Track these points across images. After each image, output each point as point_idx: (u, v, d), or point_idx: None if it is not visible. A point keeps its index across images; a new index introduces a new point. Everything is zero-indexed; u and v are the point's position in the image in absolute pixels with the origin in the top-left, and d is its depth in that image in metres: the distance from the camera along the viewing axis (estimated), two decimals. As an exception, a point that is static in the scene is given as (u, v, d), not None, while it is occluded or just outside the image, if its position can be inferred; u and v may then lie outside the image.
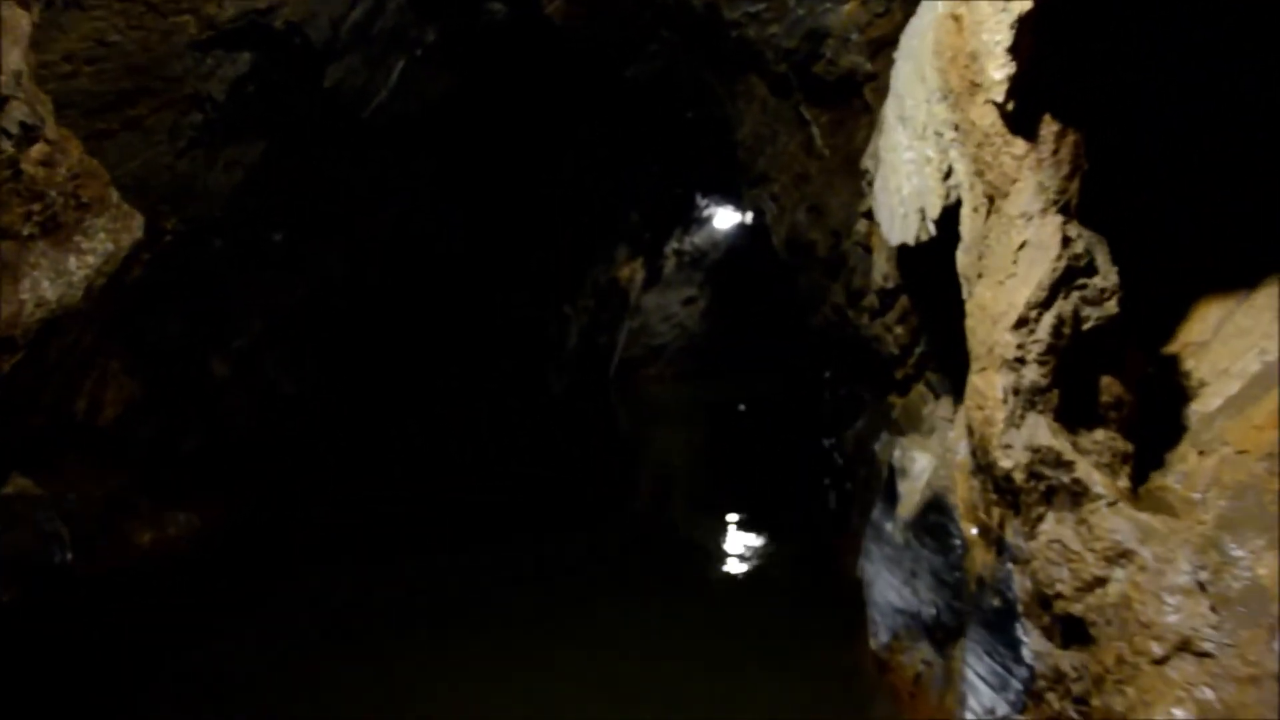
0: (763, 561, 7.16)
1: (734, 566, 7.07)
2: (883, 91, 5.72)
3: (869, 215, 4.88)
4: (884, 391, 5.98)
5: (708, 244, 18.40)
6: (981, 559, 2.96)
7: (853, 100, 6.29)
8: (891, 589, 3.76)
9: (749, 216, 17.43)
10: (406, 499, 8.36)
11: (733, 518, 8.19)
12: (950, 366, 4.58)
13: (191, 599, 5.48)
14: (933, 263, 4.06)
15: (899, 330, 4.87)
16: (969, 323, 3.13)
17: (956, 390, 4.64)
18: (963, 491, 3.10)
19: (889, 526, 3.97)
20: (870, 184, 4.69)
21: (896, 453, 4.14)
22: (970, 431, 3.05)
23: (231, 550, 6.41)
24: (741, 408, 14.91)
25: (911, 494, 3.84)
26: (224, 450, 7.20)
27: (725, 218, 17.52)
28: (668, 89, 9.53)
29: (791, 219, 7.37)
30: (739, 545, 7.57)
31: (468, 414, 12.29)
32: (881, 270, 4.78)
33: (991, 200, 3.31)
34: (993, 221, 3.28)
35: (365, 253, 8.75)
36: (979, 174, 3.37)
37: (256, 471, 7.56)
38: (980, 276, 3.26)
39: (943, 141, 3.61)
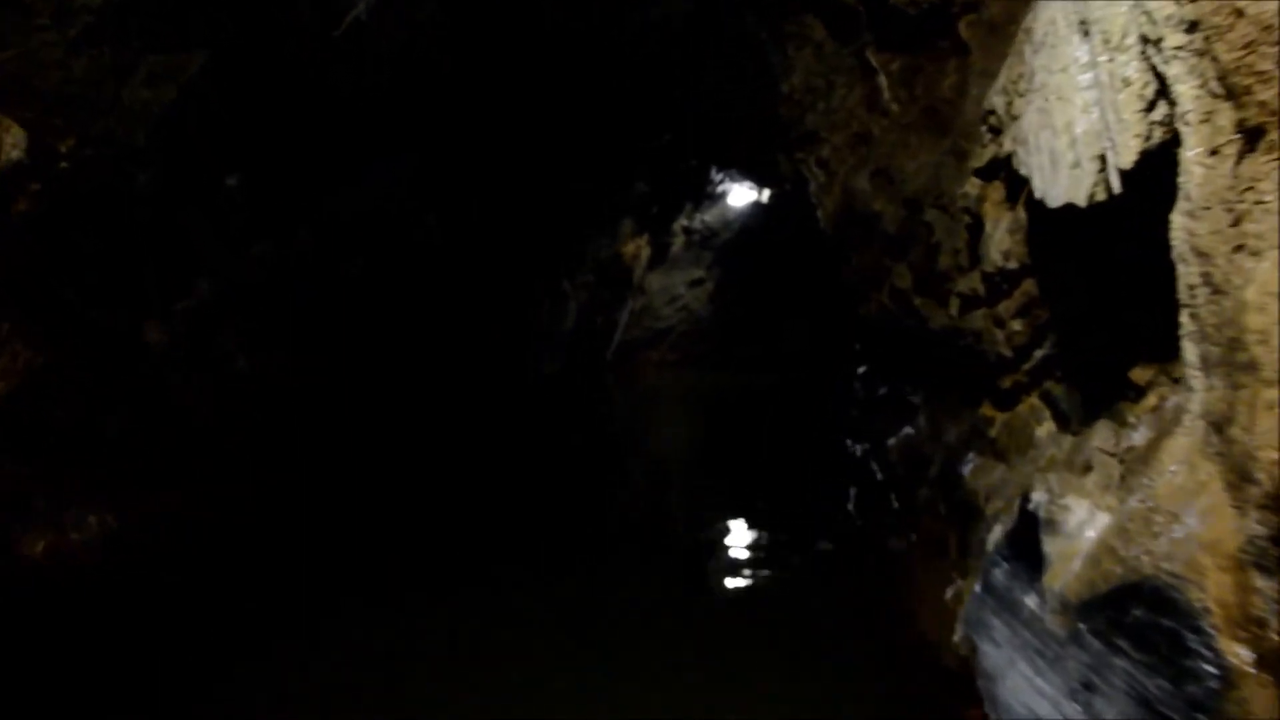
0: (789, 600, 5.56)
1: (753, 607, 5.61)
2: (987, 24, 4.54)
3: (989, 171, 3.72)
4: (967, 401, 4.84)
5: (719, 223, 17.17)
6: (1265, 705, 1.82)
7: (937, 42, 5.10)
8: (1041, 697, 2.63)
9: (765, 194, 16.23)
10: (377, 503, 7.19)
11: (747, 539, 6.96)
12: (1092, 378, 3.44)
13: (66, 633, 4.34)
14: (1103, 233, 2.90)
15: (1016, 326, 3.72)
16: (1249, 318, 1.98)
17: (1093, 410, 3.52)
18: (1219, 589, 1.97)
19: (1030, 601, 2.83)
20: (998, 128, 3.53)
21: (1038, 497, 3.00)
22: (1244, 488, 1.91)
23: (153, 561, 5.22)
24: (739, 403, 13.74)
25: (1069, 559, 2.70)
26: (162, 437, 6.03)
27: (740, 195, 16.30)
28: (694, 34, 8.32)
29: (846, 187, 6.20)
30: (757, 576, 6.22)
31: (451, 398, 11.13)
32: (1001, 245, 3.62)
33: (1257, 135, 2.16)
34: (1260, 167, 2.13)
35: (339, 225, 7.64)
36: (1232, 97, 2.22)
37: (205, 464, 6.33)
38: (1243, 250, 2.11)
39: (1156, 53, 2.45)
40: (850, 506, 7.68)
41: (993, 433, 4.18)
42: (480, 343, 12.28)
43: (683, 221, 16.84)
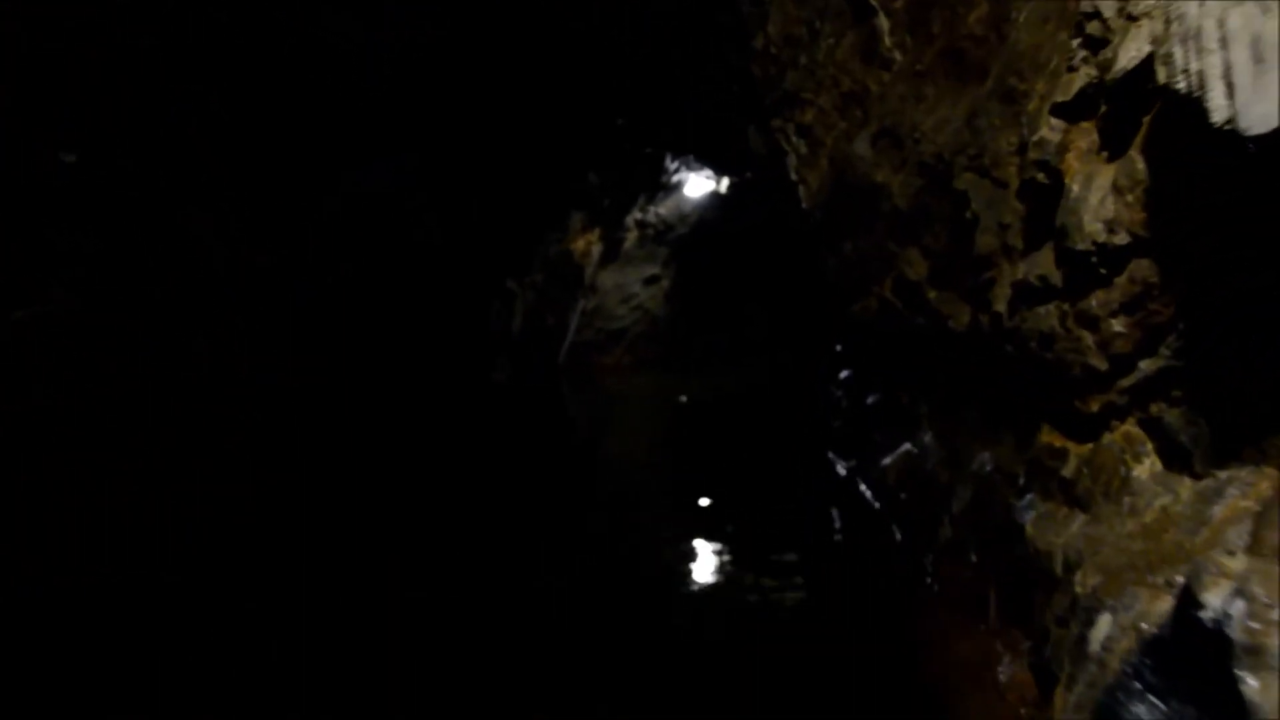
0: (768, 662, 4.29)
1: (723, 670, 4.33)
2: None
3: (1080, 107, 2.62)
4: (1013, 423, 3.76)
5: (675, 216, 16.03)
6: None
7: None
8: None
9: (724, 184, 15.17)
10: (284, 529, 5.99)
11: (715, 577, 5.72)
12: (1233, 400, 2.36)
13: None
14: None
15: (1117, 326, 2.62)
16: None
17: (1231, 446, 2.45)
18: None
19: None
20: (1103, 39, 2.43)
21: (1218, 599, 1.89)
22: None
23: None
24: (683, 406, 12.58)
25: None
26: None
27: (697, 185, 15.18)
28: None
29: (836, 157, 5.10)
30: (732, 628, 4.91)
31: (387, 409, 9.82)
32: (1100, 211, 2.52)
33: None
34: None
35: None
36: None
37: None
38: None
39: None
40: (837, 536, 6.54)
41: (1066, 471, 3.09)
42: (429, 349, 10.99)
43: (636, 215, 15.67)
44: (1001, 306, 3.44)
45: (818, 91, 5.18)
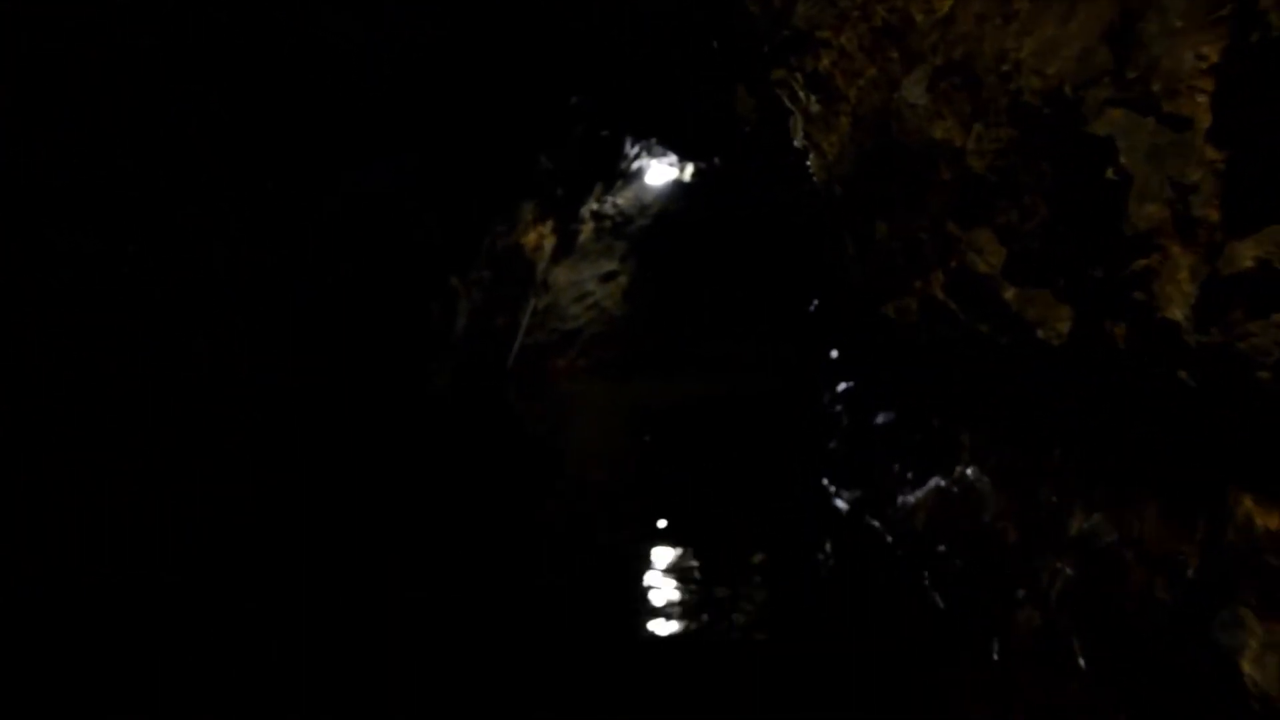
0: None
1: None
2: None
3: None
4: (1192, 490, 2.55)
5: (635, 207, 14.76)
6: None
7: None
8: None
9: (688, 171, 13.94)
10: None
11: (697, 638, 4.39)
12: None
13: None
14: None
15: None
16: None
17: None
18: None
19: None
20: None
21: None
22: None
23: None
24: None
25: None
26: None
27: (659, 173, 13.93)
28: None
29: (866, 110, 3.88)
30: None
31: (309, 425, 8.39)
32: None
33: None
34: None
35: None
36: None
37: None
38: None
39: None
40: (843, 588, 5.18)
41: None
42: (363, 354, 9.56)
43: (592, 205, 14.37)
44: (1177, 312, 2.22)
45: (841, 26, 3.95)
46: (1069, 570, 3.09)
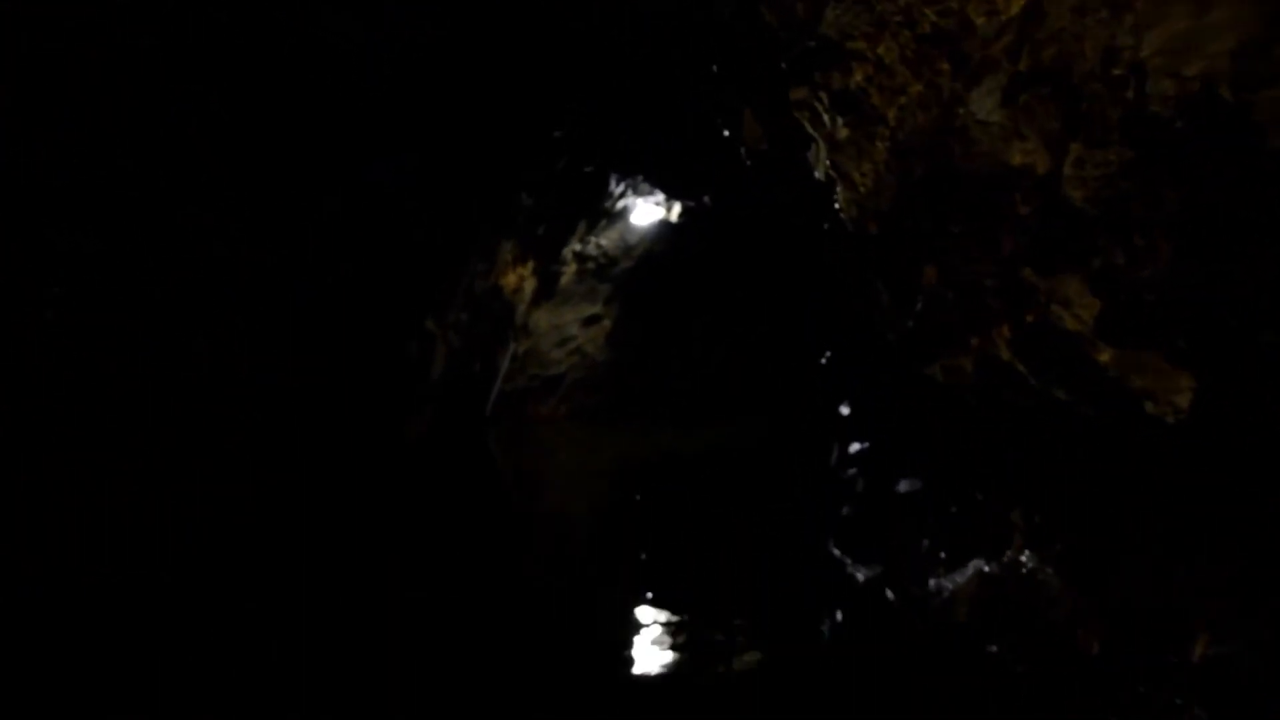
0: None
1: None
2: None
3: None
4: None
5: (619, 248, 14.15)
6: None
7: None
8: None
9: (675, 211, 13.38)
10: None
11: None
12: None
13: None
14: None
15: None
16: None
17: None
18: None
19: None
20: None
21: None
22: None
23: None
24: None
25: None
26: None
27: (645, 212, 13.36)
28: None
29: (911, 133, 3.27)
30: None
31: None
32: None
33: None
34: None
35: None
36: None
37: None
38: None
39: None
40: (860, 662, 4.42)
41: None
42: (332, 403, 8.84)
43: (575, 246, 13.76)
44: None
45: (877, 37, 3.35)
46: (1199, 711, 2.43)
